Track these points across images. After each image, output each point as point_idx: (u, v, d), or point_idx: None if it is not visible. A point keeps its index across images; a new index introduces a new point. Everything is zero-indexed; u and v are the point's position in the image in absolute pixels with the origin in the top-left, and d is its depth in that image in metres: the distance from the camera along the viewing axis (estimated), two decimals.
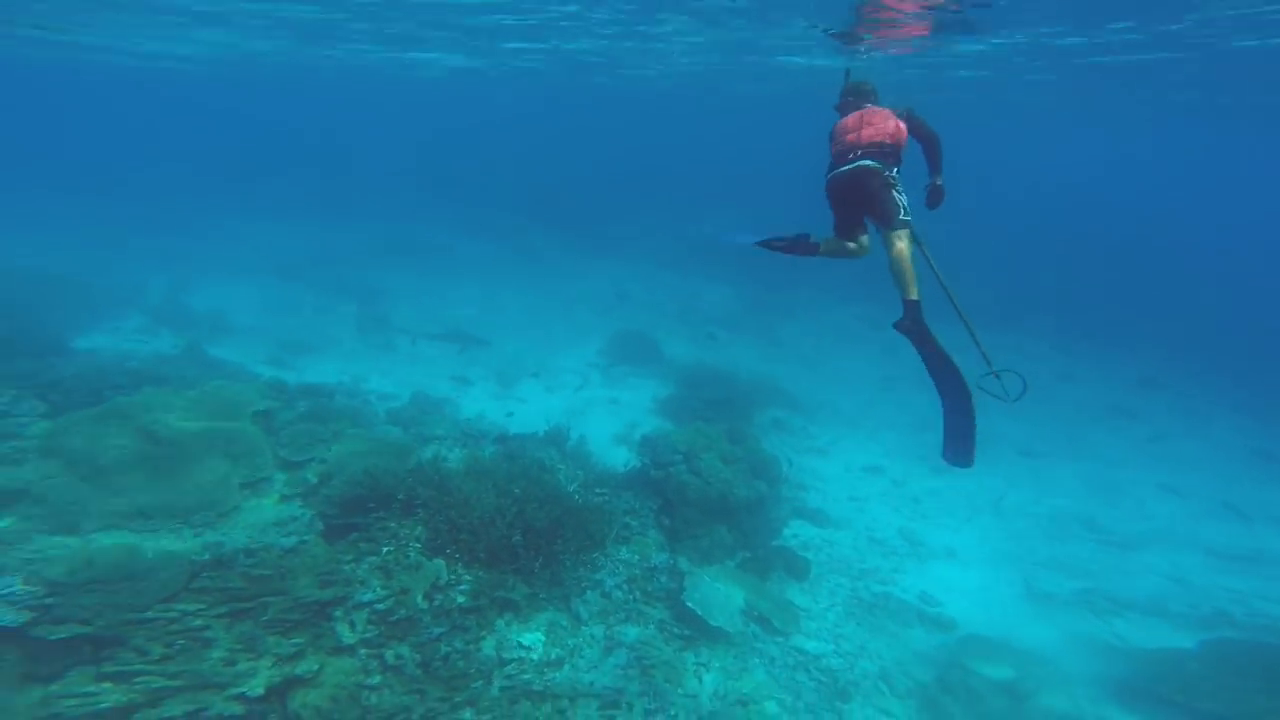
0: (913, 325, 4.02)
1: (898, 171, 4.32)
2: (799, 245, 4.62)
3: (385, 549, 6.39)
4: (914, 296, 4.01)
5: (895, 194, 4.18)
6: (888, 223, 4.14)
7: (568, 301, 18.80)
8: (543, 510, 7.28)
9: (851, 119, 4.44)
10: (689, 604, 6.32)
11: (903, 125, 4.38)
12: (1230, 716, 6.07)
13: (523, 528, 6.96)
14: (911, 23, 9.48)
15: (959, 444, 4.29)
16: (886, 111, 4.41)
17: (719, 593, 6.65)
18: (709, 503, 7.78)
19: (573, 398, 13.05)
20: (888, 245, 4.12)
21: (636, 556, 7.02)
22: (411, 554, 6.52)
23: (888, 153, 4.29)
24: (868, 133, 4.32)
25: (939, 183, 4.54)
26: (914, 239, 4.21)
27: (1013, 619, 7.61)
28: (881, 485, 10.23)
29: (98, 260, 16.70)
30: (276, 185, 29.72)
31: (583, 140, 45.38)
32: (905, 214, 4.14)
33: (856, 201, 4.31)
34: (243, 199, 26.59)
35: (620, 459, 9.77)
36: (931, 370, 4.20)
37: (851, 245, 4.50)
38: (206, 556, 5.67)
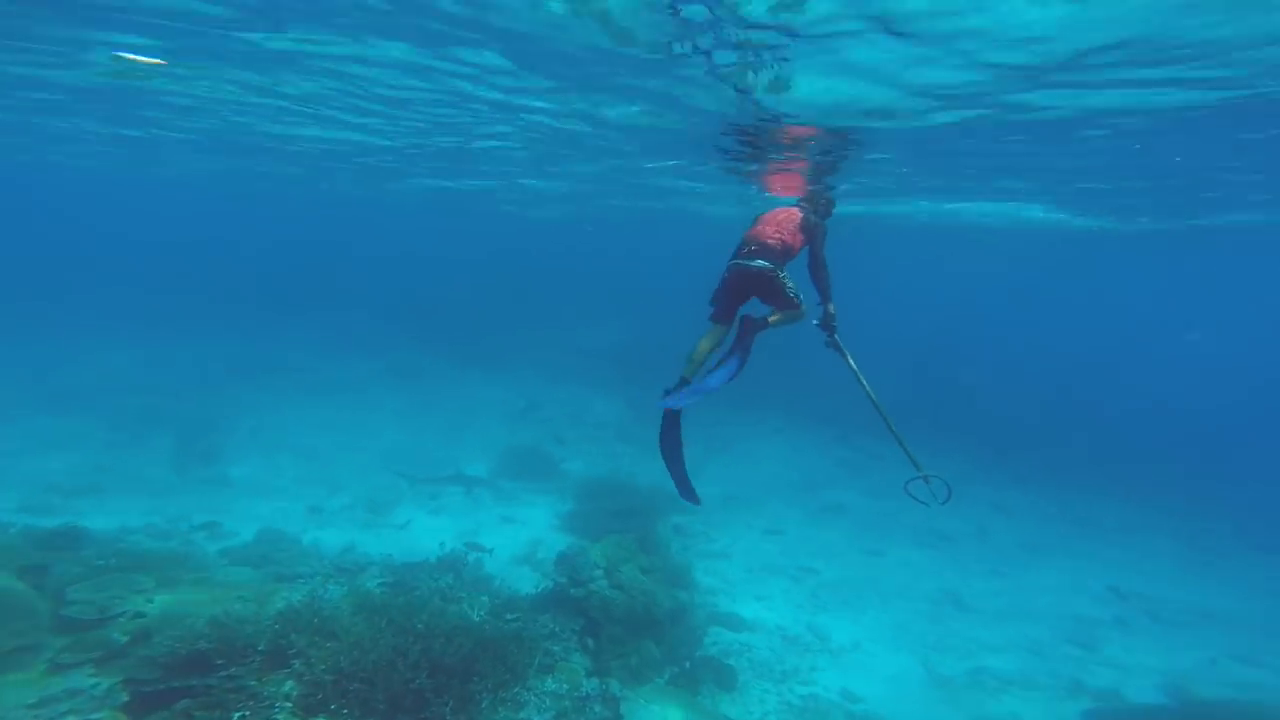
0: (750, 328, 4.58)
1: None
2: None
3: (237, 716, 5.17)
4: (771, 321, 4.58)
5: (785, 287, 4.68)
6: (783, 308, 4.69)
7: (451, 420, 17.93)
8: (451, 645, 6.49)
9: (768, 214, 5.07)
10: None
11: (795, 228, 4.98)
12: None
13: (429, 668, 6.09)
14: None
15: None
16: (796, 217, 5.02)
17: (655, 714, 6.19)
18: (635, 617, 7.44)
19: (463, 519, 12.06)
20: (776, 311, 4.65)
21: (565, 686, 6.38)
22: (279, 717, 5.35)
23: (779, 257, 4.82)
24: (769, 232, 4.91)
25: (828, 308, 4.96)
26: (836, 347, 4.84)
27: (926, 707, 7.93)
28: (782, 583, 10.53)
29: None
30: (93, 296, 25.77)
31: (462, 250, 45.93)
32: (797, 297, 4.66)
33: (744, 294, 4.78)
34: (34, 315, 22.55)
35: (526, 580, 9.10)
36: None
37: (709, 337, 4.83)
38: None
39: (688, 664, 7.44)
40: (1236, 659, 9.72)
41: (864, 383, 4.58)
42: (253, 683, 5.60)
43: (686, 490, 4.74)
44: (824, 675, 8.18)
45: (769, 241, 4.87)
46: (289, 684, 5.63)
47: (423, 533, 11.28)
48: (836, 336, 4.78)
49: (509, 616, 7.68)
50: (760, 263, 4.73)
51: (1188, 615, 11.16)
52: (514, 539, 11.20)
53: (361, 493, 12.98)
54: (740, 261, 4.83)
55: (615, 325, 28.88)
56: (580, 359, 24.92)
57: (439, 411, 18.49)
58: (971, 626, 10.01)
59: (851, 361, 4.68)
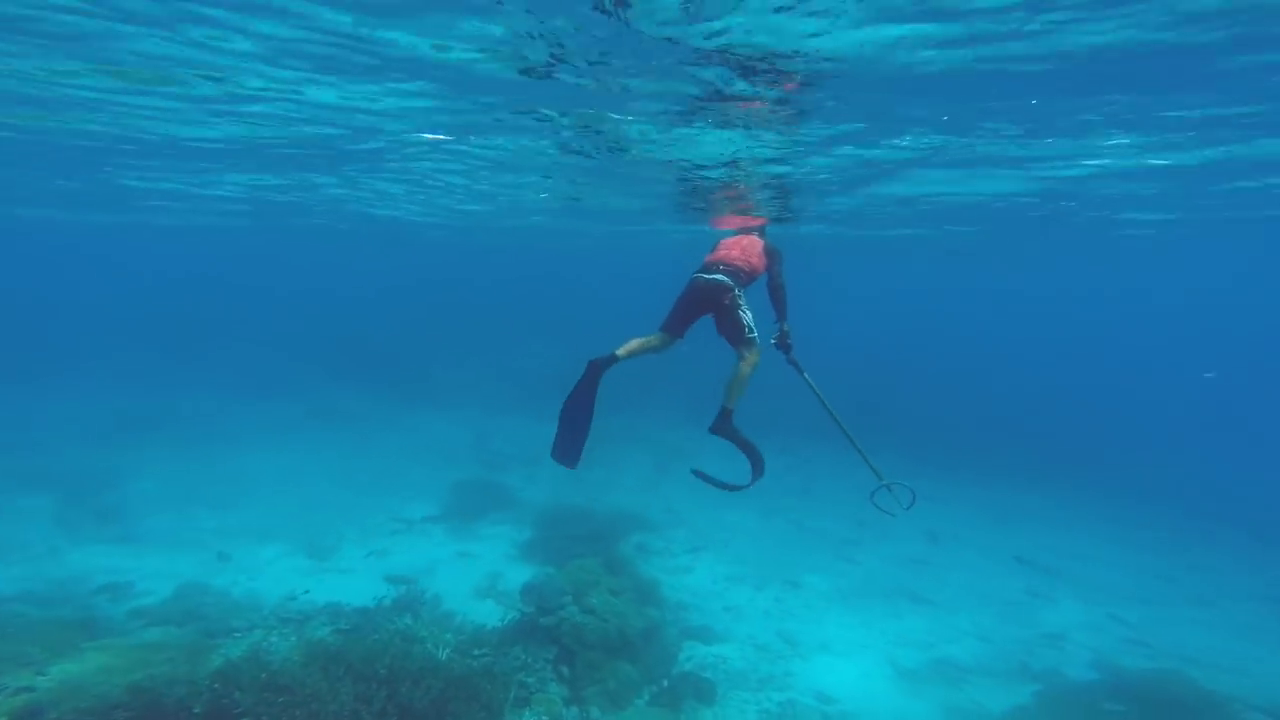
0: (725, 428, 4.65)
1: (743, 292, 4.97)
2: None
3: None
4: (731, 406, 4.63)
5: (741, 312, 4.81)
6: (736, 341, 4.76)
7: (390, 461, 17.09)
8: (419, 688, 6.15)
9: (731, 239, 5.31)
10: None
11: (758, 251, 5.27)
12: None
13: (397, 713, 5.73)
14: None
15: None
16: (758, 244, 5.35)
17: None
18: (609, 641, 7.28)
19: (415, 557, 11.43)
20: (739, 359, 4.76)
21: (544, 718, 6.10)
22: None
23: (741, 277, 5.02)
24: (734, 254, 5.14)
25: (784, 327, 5.18)
26: (797, 366, 5.01)
27: (896, 701, 8.14)
28: (746, 592, 10.62)
29: None
30: None
31: (386, 283, 44.28)
32: (750, 331, 4.77)
33: (702, 308, 4.87)
34: None
35: (491, 613, 8.73)
36: (748, 455, 4.74)
37: (657, 338, 4.89)
38: None
39: (666, 682, 7.33)
40: (1156, 631, 10.58)
41: (821, 397, 4.79)
42: None
43: (567, 452, 4.84)
44: (798, 679, 8.26)
45: (734, 262, 5.06)
46: None
47: (372, 575, 10.58)
48: (794, 354, 5.00)
49: (477, 652, 7.33)
50: (720, 277, 4.88)
51: (1112, 594, 12.11)
52: (473, 573, 10.72)
53: (297, 540, 12.07)
54: (701, 275, 4.98)
55: (562, 350, 28.66)
56: (527, 387, 24.49)
57: (376, 454, 17.58)
58: (928, 619, 10.42)
59: (808, 377, 4.89)
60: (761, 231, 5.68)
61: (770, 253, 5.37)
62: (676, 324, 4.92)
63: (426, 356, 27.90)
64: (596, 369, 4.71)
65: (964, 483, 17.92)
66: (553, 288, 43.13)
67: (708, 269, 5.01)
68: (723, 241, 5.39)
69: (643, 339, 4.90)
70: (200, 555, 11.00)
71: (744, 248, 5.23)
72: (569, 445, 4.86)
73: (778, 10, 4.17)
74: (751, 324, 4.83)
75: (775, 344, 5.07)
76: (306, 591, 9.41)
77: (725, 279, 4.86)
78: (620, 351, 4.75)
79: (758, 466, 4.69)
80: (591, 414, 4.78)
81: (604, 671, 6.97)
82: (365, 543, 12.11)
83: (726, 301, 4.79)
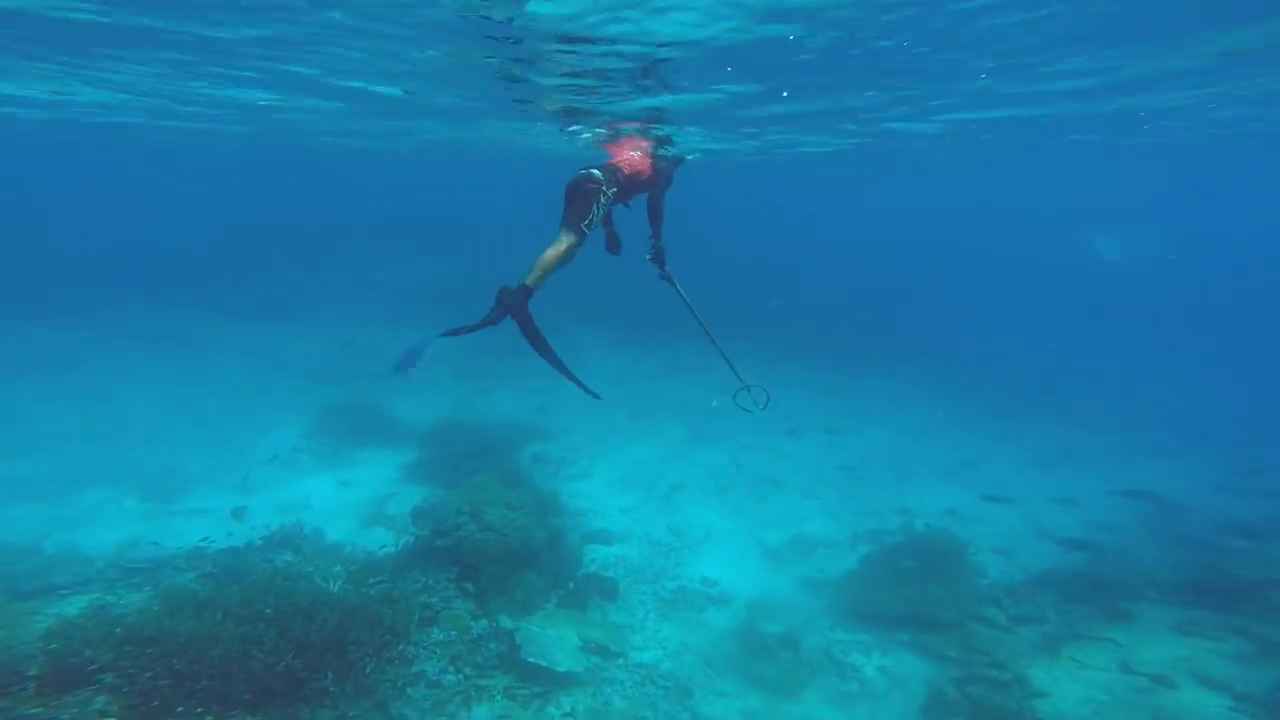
0: (516, 304, 4.21)
1: (614, 193, 4.91)
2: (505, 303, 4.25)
3: None
4: (530, 284, 4.28)
5: (595, 206, 4.66)
6: (570, 222, 4.56)
7: (240, 383, 15.16)
8: (314, 622, 5.86)
9: (624, 154, 5.25)
10: (530, 659, 5.87)
11: (647, 167, 5.28)
12: (895, 612, 7.96)
13: (294, 648, 5.45)
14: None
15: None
16: (647, 156, 5.33)
17: (552, 637, 6.36)
18: (512, 554, 7.38)
19: (285, 490, 10.51)
20: (558, 237, 4.52)
21: (453, 633, 6.17)
22: None
23: (619, 179, 4.97)
24: (619, 160, 5.12)
25: (658, 243, 5.29)
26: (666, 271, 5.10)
27: (762, 577, 9.26)
28: (640, 493, 11.27)
29: None
30: None
31: (213, 190, 37.14)
32: (586, 223, 4.58)
33: (574, 200, 4.67)
34: None
35: (381, 540, 8.39)
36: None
37: (563, 241, 4.53)
38: None
39: (571, 584, 7.69)
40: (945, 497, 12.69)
41: (692, 308, 5.03)
42: (34, 710, 4.50)
43: (584, 388, 4.78)
44: (686, 568, 9.11)
45: (614, 164, 5.06)
46: (99, 700, 4.67)
47: (232, 514, 9.59)
48: (668, 268, 5.14)
49: (373, 580, 7.08)
50: (594, 171, 4.79)
51: (919, 465, 14.30)
52: (356, 500, 10.14)
53: (128, 482, 10.51)
54: (580, 170, 4.87)
55: (432, 260, 26.43)
56: (395, 298, 22.52)
57: (221, 376, 15.46)
58: (787, 501, 11.79)
59: (681, 289, 5.08)
60: (659, 156, 5.58)
61: (658, 171, 5.44)
62: (567, 217, 4.69)
63: (276, 269, 24.32)
64: (510, 302, 4.18)
65: (809, 368, 19.74)
66: (422, 198, 38.93)
67: (586, 166, 4.97)
68: (614, 152, 5.29)
69: (549, 249, 4.54)
70: None
71: (631, 160, 5.27)
72: (572, 380, 4.73)
73: None
74: (593, 219, 4.68)
75: (650, 258, 5.20)
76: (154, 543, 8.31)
77: (597, 173, 4.83)
78: (529, 280, 4.30)
79: (469, 329, 4.27)
80: (544, 343, 4.43)
81: (510, 582, 7.11)
82: (220, 479, 10.84)
83: (589, 188, 4.73)
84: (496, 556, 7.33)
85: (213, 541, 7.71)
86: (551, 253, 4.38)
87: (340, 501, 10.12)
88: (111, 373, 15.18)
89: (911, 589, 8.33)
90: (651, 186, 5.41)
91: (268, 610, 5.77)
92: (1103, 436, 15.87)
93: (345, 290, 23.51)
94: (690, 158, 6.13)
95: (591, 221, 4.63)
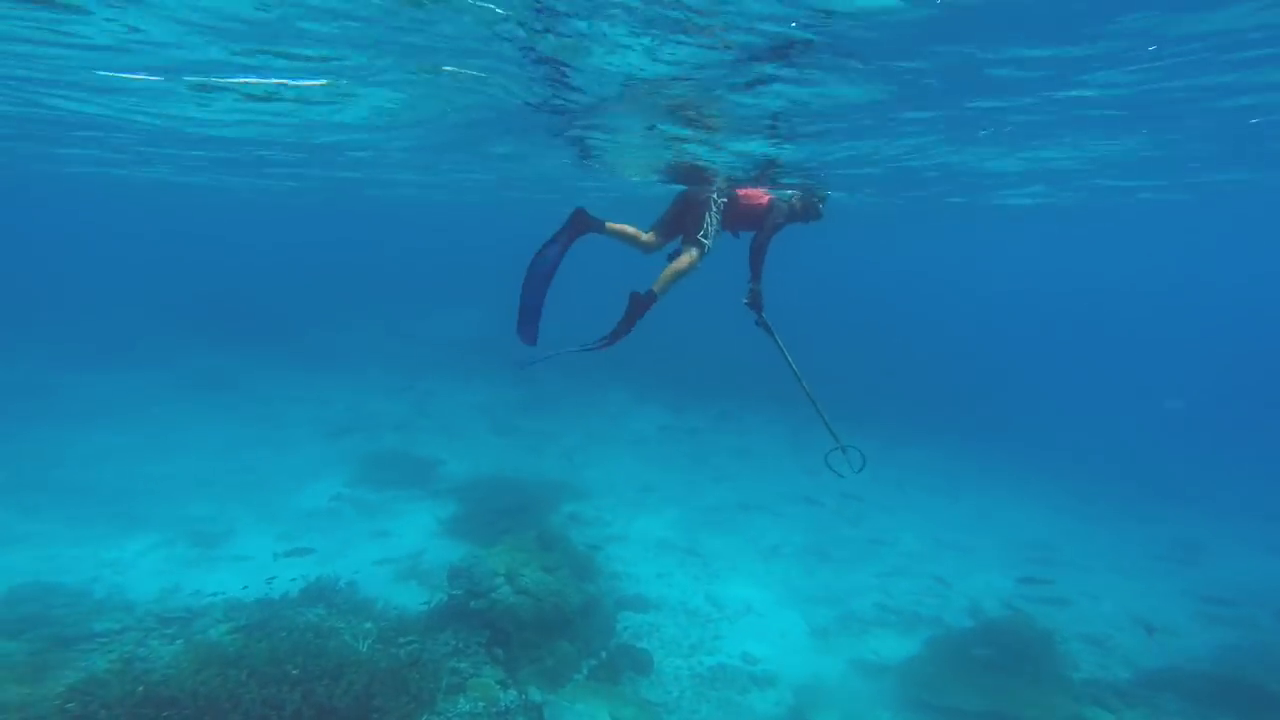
0: (639, 305, 4.59)
1: (725, 205, 5.12)
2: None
3: None
4: (658, 291, 4.64)
5: (708, 216, 4.93)
6: (688, 234, 4.95)
7: (286, 432, 15.63)
8: (339, 685, 5.69)
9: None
10: None
11: (764, 201, 5.35)
12: (959, 704, 7.21)
13: (314, 714, 5.28)
14: None
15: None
16: (769, 196, 5.43)
17: (582, 715, 5.99)
18: (545, 620, 7.12)
19: (324, 540, 10.58)
20: (683, 250, 4.88)
21: (481, 704, 5.89)
22: None
23: (731, 197, 5.23)
24: (741, 189, 5.42)
25: (756, 287, 5.07)
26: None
27: (811, 658, 8.64)
28: (677, 557, 10.85)
29: None
30: None
31: (268, 241, 39.92)
32: (704, 234, 4.87)
33: (680, 209, 5.10)
34: None
35: (414, 597, 8.28)
36: (620, 328, 4.63)
37: (646, 235, 5.13)
38: None
39: (604, 654, 7.33)
40: (1018, 581, 11.80)
41: (789, 359, 4.83)
42: None
43: (524, 325, 4.81)
44: (726, 642, 8.58)
45: (736, 189, 5.36)
46: None
47: (273, 563, 9.66)
48: (764, 315, 4.96)
49: (402, 640, 6.91)
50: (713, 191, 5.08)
51: (979, 546, 13.40)
52: (392, 553, 10.10)
53: (176, 526, 10.79)
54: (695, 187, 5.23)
55: (474, 312, 27.34)
56: (437, 350, 23.23)
57: (269, 424, 16.01)
58: (836, 576, 11.16)
59: (778, 339, 4.90)
60: (784, 198, 5.64)
61: (774, 209, 5.33)
62: (661, 225, 5.18)
63: (325, 319, 25.60)
64: (581, 222, 4.70)
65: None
66: (472, 253, 40.90)
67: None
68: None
69: (634, 228, 5.08)
70: (48, 549, 9.53)
71: (751, 193, 5.42)
72: (527, 316, 4.82)
73: None
74: (708, 229, 4.91)
75: (747, 303, 5.02)
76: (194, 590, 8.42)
77: (715, 192, 5.12)
78: (610, 224, 4.85)
79: (614, 338, 4.67)
80: (550, 280, 4.71)
81: (541, 651, 6.82)
82: (264, 527, 11.03)
83: (702, 198, 4.99)
84: (529, 622, 7.08)
85: (249, 591, 7.75)
86: (676, 265, 4.74)
87: (376, 553, 10.09)
88: (171, 418, 15.95)
89: (989, 681, 7.52)
90: (762, 223, 5.20)
91: (294, 671, 5.68)
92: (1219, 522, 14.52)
93: (394, 341, 24.41)
94: (828, 194, 5.96)
95: (706, 231, 4.85)
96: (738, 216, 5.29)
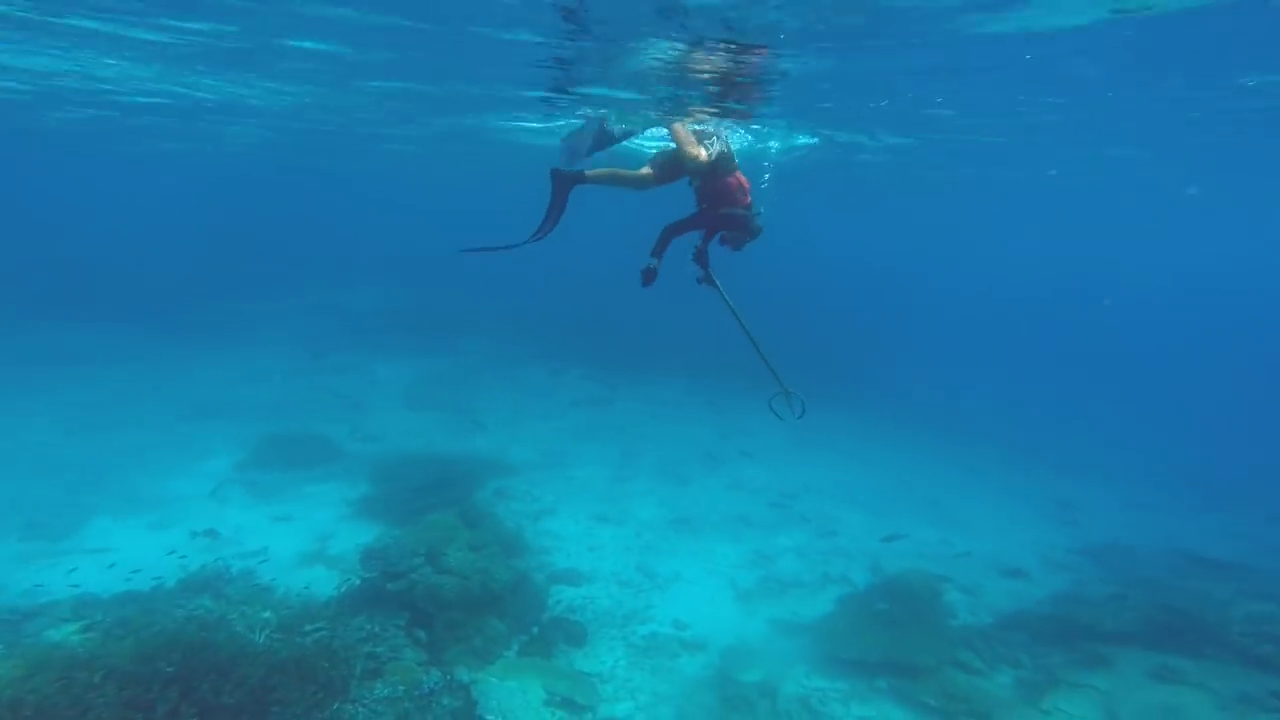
0: (565, 181, 4.76)
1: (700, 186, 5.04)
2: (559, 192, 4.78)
3: None
4: (588, 174, 4.82)
5: (680, 172, 5.03)
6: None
7: (164, 408, 13.83)
8: (228, 680, 5.06)
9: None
10: (489, 717, 5.19)
11: (746, 197, 5.06)
12: (872, 658, 7.56)
13: (196, 712, 4.67)
14: None
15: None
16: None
17: (514, 691, 5.70)
18: (472, 598, 6.73)
19: (212, 525, 9.43)
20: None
21: (401, 687, 5.43)
22: None
23: (717, 176, 5.00)
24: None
25: (705, 247, 4.98)
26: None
27: (736, 621, 8.76)
28: (610, 530, 10.68)
29: None
30: None
31: (156, 205, 35.33)
32: (656, 179, 5.06)
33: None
34: None
35: (323, 582, 7.57)
36: (549, 216, 4.88)
37: (639, 174, 5.02)
38: None
39: (536, 630, 7.04)
40: (915, 537, 12.52)
41: (736, 311, 4.77)
42: None
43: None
44: (657, 611, 8.53)
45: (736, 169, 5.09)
46: None
47: (145, 551, 8.50)
48: (710, 270, 4.80)
49: (308, 629, 6.26)
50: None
51: (882, 505, 14.05)
52: (294, 538, 9.20)
53: (12, 516, 9.22)
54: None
55: (387, 284, 25.56)
56: (346, 323, 21.53)
57: (140, 402, 14.11)
58: (758, 540, 11.42)
59: (724, 292, 4.82)
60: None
61: (738, 216, 5.03)
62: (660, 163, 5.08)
63: (219, 290, 22.95)
64: (564, 182, 4.71)
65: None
66: (379, 220, 38.14)
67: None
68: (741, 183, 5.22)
69: (624, 170, 5.01)
70: None
71: (741, 179, 5.10)
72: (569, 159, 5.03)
73: None
74: (663, 178, 4.97)
75: (694, 259, 4.87)
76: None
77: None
78: (591, 173, 4.82)
79: (542, 231, 4.86)
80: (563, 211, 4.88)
81: (469, 630, 6.43)
82: (129, 515, 9.68)
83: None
84: (454, 601, 6.65)
85: (110, 585, 6.72)
86: (623, 171, 4.74)
87: (275, 539, 9.14)
88: (16, 400, 13.63)
89: (888, 633, 8.00)
90: (720, 204, 4.92)
91: (168, 669, 4.95)
92: (1066, 475, 16.24)
93: (299, 314, 22.34)
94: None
95: (661, 177, 4.85)
96: (715, 191, 4.92)
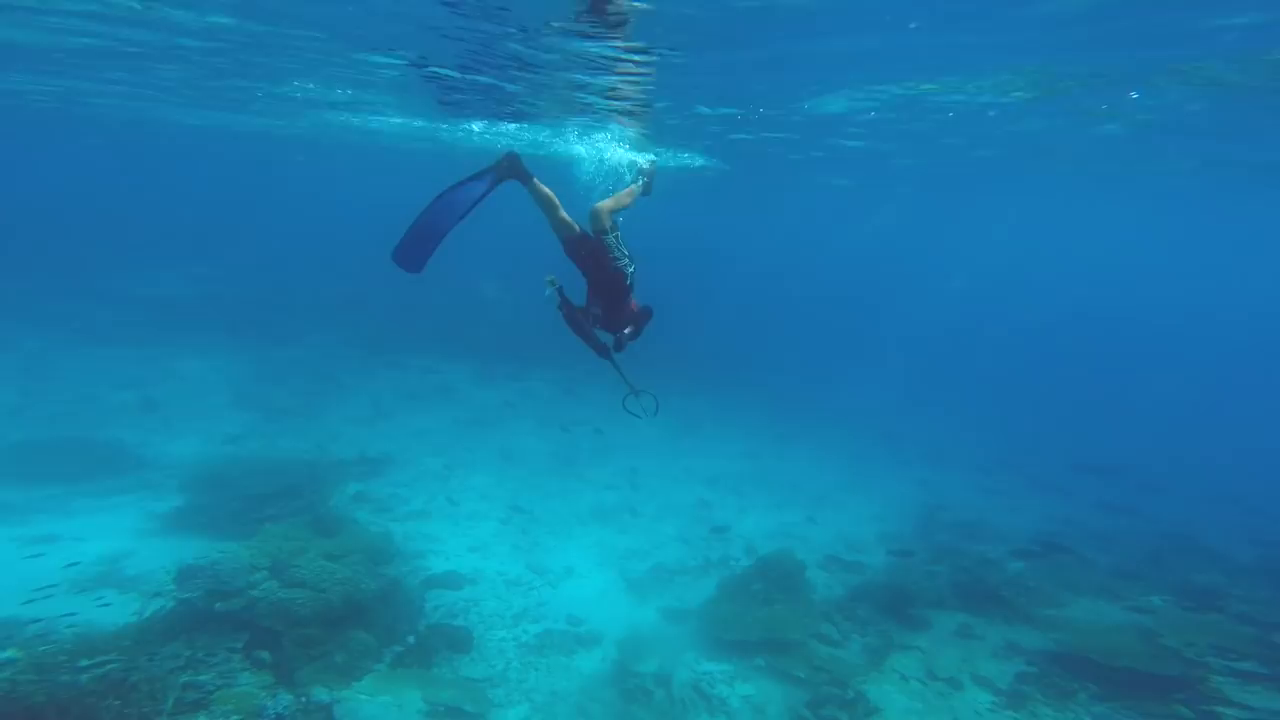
0: (511, 166, 4.35)
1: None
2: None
3: None
4: (531, 176, 4.41)
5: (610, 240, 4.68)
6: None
7: None
8: None
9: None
10: None
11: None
12: (752, 638, 7.78)
13: None
14: None
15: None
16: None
17: (387, 706, 4.76)
18: (332, 612, 5.62)
19: None
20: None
21: (235, 716, 4.26)
22: None
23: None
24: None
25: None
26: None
27: (629, 611, 8.43)
28: (493, 527, 9.74)
29: None
30: None
31: None
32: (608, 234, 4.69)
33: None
34: None
35: (112, 611, 5.87)
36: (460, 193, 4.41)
37: (567, 217, 4.62)
38: None
39: (412, 639, 6.04)
40: (779, 517, 12.99)
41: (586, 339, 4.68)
42: None
43: (412, 253, 4.22)
44: (550, 608, 7.89)
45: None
46: None
47: None
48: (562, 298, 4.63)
49: (84, 664, 4.76)
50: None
51: (753, 490, 14.16)
52: (62, 562, 7.03)
53: None
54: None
55: (200, 267, 21.69)
56: (151, 312, 17.82)
57: None
58: (645, 530, 11.19)
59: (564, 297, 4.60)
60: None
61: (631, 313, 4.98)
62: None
63: None
64: (511, 167, 4.31)
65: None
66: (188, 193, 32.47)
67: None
68: None
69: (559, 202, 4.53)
70: None
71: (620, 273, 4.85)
72: (418, 245, 4.09)
73: None
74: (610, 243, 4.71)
75: (550, 280, 4.59)
76: None
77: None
78: (538, 181, 4.39)
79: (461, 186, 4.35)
80: (463, 218, 4.28)
81: (328, 646, 5.30)
82: None
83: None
84: (308, 617, 5.48)
85: None
86: (551, 210, 4.36)
87: (35, 565, 6.93)
88: None
89: (764, 611, 8.23)
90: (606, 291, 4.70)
91: None
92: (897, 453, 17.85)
93: (85, 300, 17.99)
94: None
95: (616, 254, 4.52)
96: (597, 264, 4.67)
